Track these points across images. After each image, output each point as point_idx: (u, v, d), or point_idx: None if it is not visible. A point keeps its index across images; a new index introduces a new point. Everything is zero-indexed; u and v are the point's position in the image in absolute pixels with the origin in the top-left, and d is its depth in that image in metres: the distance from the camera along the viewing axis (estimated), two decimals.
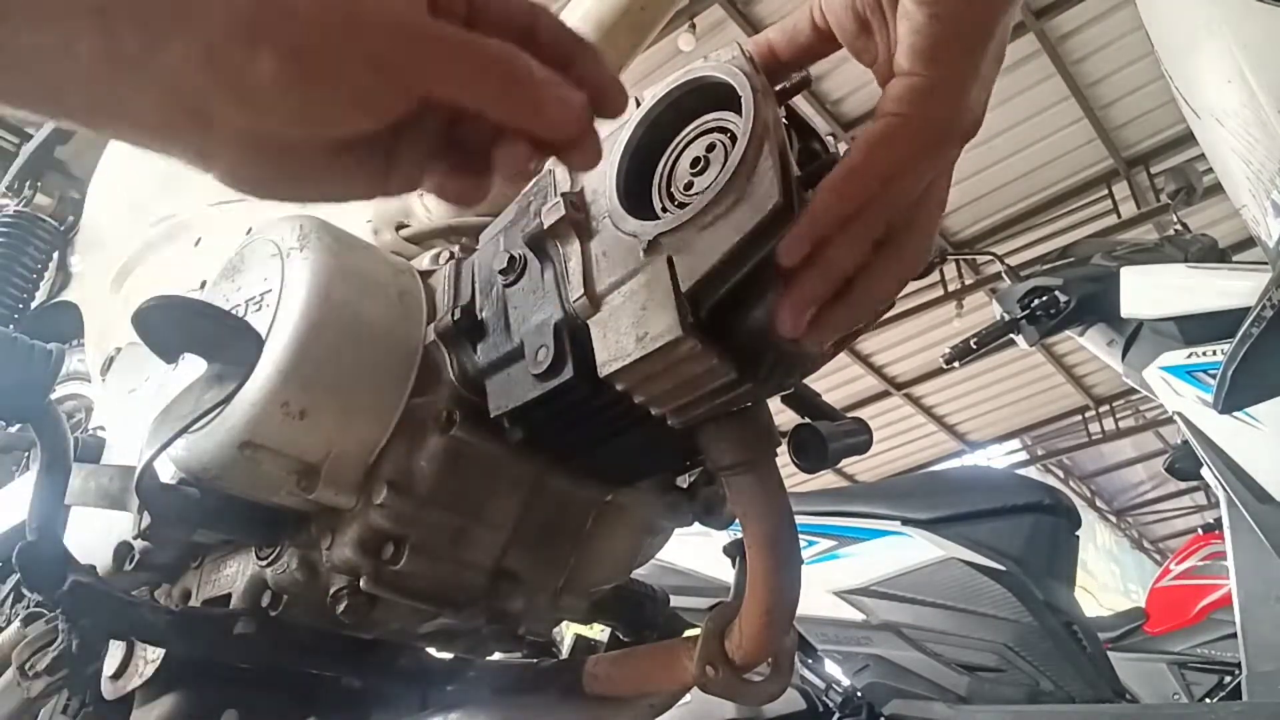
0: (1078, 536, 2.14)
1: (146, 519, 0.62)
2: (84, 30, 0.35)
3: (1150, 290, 1.97)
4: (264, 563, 0.67)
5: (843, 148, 0.55)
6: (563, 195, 0.56)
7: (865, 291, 0.51)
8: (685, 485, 0.79)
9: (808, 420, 0.69)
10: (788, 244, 0.47)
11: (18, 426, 1.02)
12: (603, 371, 0.52)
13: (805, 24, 0.53)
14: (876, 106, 0.48)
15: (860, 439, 0.68)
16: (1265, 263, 1.37)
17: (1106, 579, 11.12)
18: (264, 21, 0.37)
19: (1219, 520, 1.87)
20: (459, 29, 0.41)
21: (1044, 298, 2.13)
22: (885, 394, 9.33)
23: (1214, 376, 1.70)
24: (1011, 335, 2.26)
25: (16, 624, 0.69)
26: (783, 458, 0.62)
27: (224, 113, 0.39)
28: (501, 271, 0.60)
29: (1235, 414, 1.65)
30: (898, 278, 0.51)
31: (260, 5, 0.37)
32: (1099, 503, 12.03)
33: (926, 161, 0.48)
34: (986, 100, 0.49)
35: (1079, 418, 10.03)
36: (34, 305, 1.23)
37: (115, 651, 0.73)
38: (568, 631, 2.20)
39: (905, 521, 2.10)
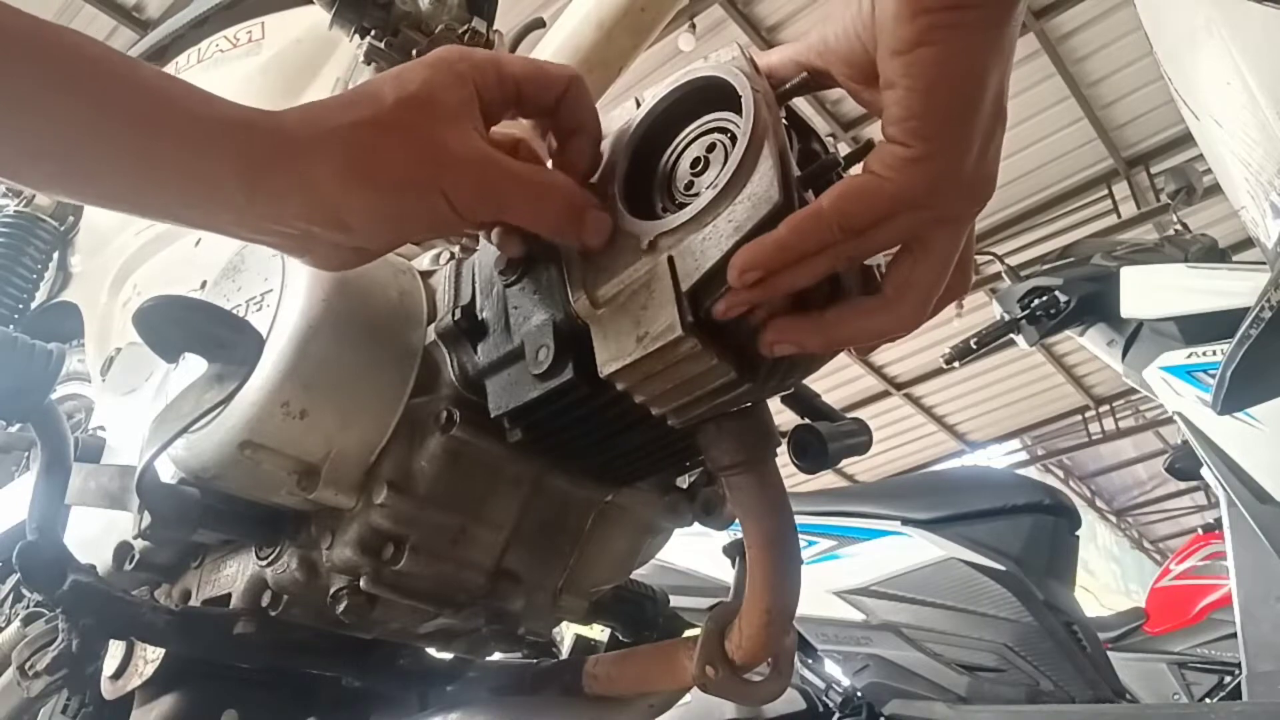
0: (1078, 536, 2.14)
1: (146, 519, 0.62)
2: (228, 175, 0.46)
3: (1150, 290, 1.97)
4: (264, 563, 0.67)
5: (843, 148, 0.55)
6: None
7: (828, 324, 0.50)
8: (685, 485, 0.79)
9: (808, 420, 0.69)
10: (735, 263, 0.47)
11: (18, 426, 1.02)
12: (603, 371, 0.52)
13: (805, 58, 0.53)
14: (865, 161, 0.47)
15: (860, 439, 0.68)
16: (1265, 263, 1.37)
17: (1107, 579, 11.12)
18: (359, 169, 0.46)
19: (1219, 520, 1.87)
20: (519, 164, 0.51)
21: (1044, 298, 2.14)
22: (885, 394, 9.32)
23: (1214, 376, 1.70)
24: (1011, 335, 2.26)
25: (16, 624, 0.69)
26: (783, 458, 0.62)
27: (324, 237, 0.49)
28: (501, 272, 0.60)
29: (1235, 414, 1.65)
30: (873, 331, 0.50)
31: (357, 154, 0.46)
32: (1099, 503, 12.02)
33: (903, 224, 0.46)
34: (993, 165, 0.46)
35: (1079, 418, 10.02)
36: (34, 305, 1.23)
37: (115, 651, 0.73)
38: (568, 631, 2.20)
39: (905, 521, 2.10)
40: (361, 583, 0.65)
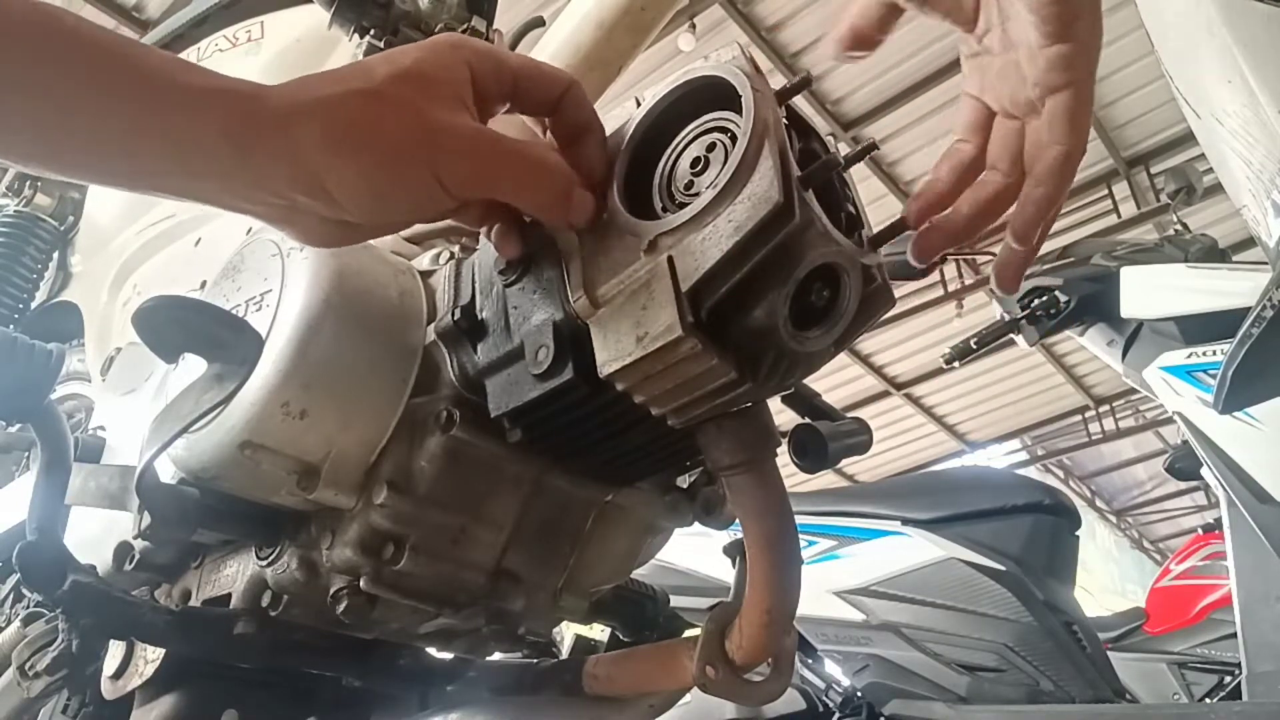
0: (1078, 536, 2.14)
1: (146, 519, 0.62)
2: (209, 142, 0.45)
3: (1150, 290, 1.97)
4: (264, 563, 0.67)
5: (843, 148, 0.55)
6: None
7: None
8: (685, 485, 0.79)
9: (808, 420, 0.69)
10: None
11: (18, 426, 1.02)
12: (603, 371, 0.52)
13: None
14: (1019, 80, 0.54)
15: (860, 439, 0.68)
16: (1265, 262, 1.37)
17: (1104, 579, 11.11)
18: (345, 138, 0.46)
19: (1219, 520, 1.87)
20: (510, 139, 0.51)
21: (1044, 298, 2.13)
22: (885, 394, 9.33)
23: (1214, 376, 1.70)
24: (1011, 335, 2.25)
25: (16, 624, 0.69)
26: (783, 458, 0.62)
27: (308, 206, 0.48)
28: (501, 272, 0.59)
29: (1235, 414, 1.65)
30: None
31: (344, 123, 0.46)
32: (1099, 503, 12.03)
33: None
34: None
35: (1079, 418, 10.03)
36: (34, 305, 1.23)
37: (115, 651, 0.73)
38: (568, 631, 2.20)
39: (905, 521, 2.10)
40: (361, 583, 0.65)
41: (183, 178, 0.47)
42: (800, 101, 0.56)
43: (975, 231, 0.59)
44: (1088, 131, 0.54)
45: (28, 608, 0.69)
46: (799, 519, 0.61)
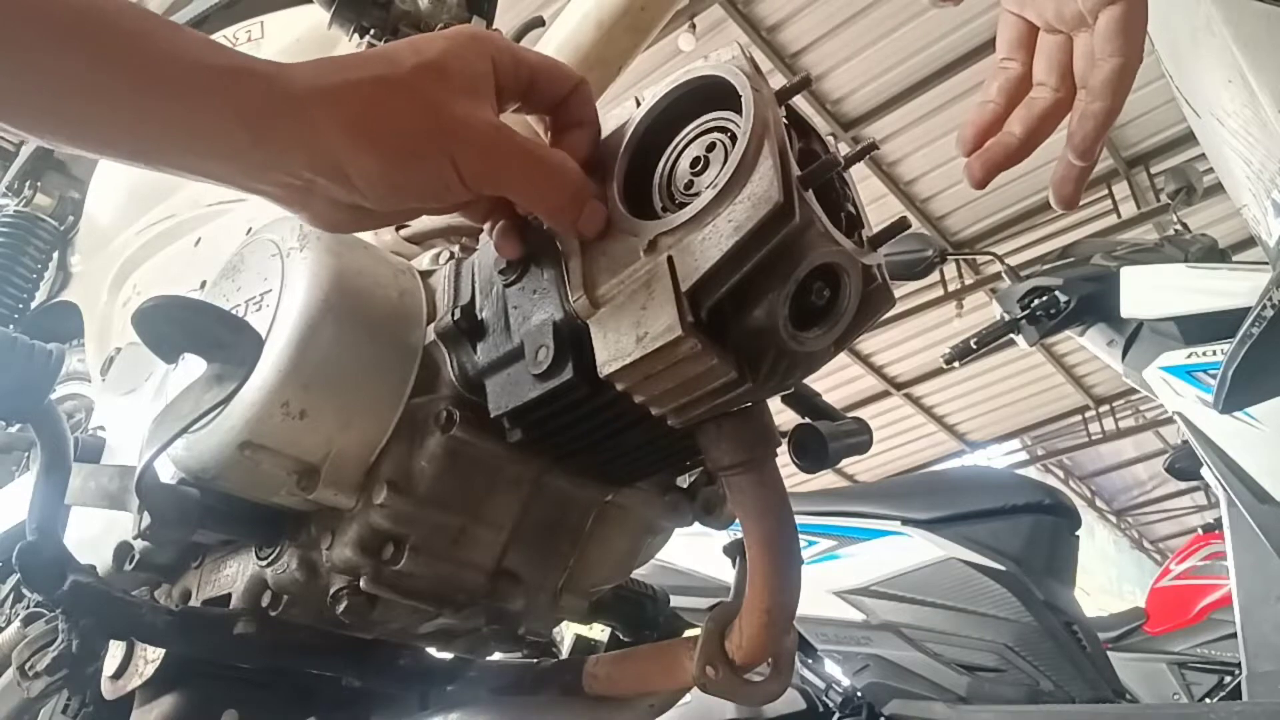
0: (1078, 536, 2.14)
1: (146, 519, 0.62)
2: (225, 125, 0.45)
3: (1150, 290, 1.97)
4: (264, 563, 0.67)
5: (843, 148, 0.55)
6: None
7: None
8: (685, 485, 0.79)
9: (808, 420, 0.69)
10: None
11: (18, 426, 1.02)
12: (603, 371, 0.52)
13: None
14: None
15: (860, 439, 0.68)
16: (1265, 263, 1.37)
17: (1102, 580, 11.11)
18: (366, 124, 0.46)
19: (1219, 520, 1.87)
20: (529, 140, 0.51)
21: (1044, 298, 2.13)
22: (885, 394, 9.32)
23: (1214, 376, 1.70)
24: (1011, 335, 2.25)
25: (16, 624, 0.69)
26: (783, 458, 0.62)
27: (325, 189, 0.48)
28: (501, 271, 0.60)
29: (1235, 414, 1.65)
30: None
31: (366, 110, 0.46)
32: (1099, 503, 12.03)
33: None
34: None
35: (1079, 418, 10.02)
36: (34, 305, 1.23)
37: (115, 651, 0.73)
38: (568, 631, 2.20)
39: (905, 521, 2.10)
40: (361, 583, 0.65)
41: (199, 157, 0.47)
42: (800, 101, 0.56)
43: (1031, 149, 0.59)
44: (1144, 42, 0.53)
45: (28, 608, 0.69)
46: (799, 519, 0.61)
